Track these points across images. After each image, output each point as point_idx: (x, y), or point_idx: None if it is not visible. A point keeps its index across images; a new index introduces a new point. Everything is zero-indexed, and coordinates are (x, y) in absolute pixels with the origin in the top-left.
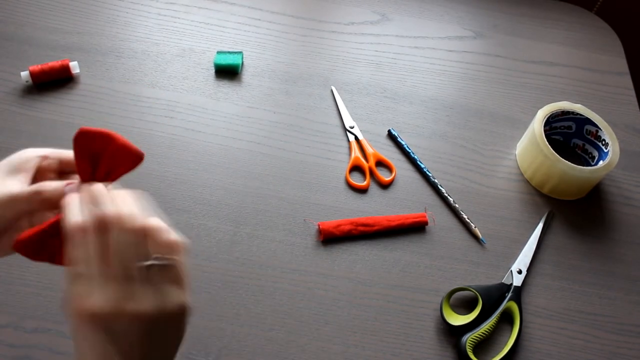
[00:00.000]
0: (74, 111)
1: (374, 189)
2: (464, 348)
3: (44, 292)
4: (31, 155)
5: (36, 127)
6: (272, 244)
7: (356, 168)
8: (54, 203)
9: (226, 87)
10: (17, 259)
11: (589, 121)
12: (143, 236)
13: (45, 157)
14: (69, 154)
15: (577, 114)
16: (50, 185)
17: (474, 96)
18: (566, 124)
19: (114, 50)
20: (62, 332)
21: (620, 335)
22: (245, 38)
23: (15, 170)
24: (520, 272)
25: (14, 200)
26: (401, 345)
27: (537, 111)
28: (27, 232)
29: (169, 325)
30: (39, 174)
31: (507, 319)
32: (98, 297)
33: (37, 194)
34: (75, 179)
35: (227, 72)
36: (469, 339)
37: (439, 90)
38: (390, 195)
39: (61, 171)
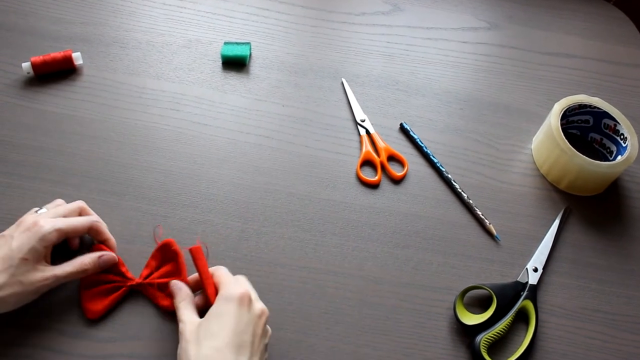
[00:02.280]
0: (77, 104)
1: (385, 184)
2: (478, 348)
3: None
4: (51, 242)
5: (38, 120)
6: (280, 241)
7: (367, 163)
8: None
9: (233, 79)
10: None
11: (607, 115)
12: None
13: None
14: (75, 227)
15: (595, 107)
16: (89, 260)
17: (488, 89)
18: (583, 117)
19: (118, 41)
20: (64, 331)
21: (639, 335)
22: (254, 28)
23: (44, 257)
24: (536, 270)
25: (59, 280)
26: (413, 345)
27: (553, 104)
28: (100, 305)
29: None
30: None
31: (522, 318)
32: None
33: (82, 272)
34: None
35: (235, 64)
36: (483, 338)
37: (453, 83)
38: (402, 190)
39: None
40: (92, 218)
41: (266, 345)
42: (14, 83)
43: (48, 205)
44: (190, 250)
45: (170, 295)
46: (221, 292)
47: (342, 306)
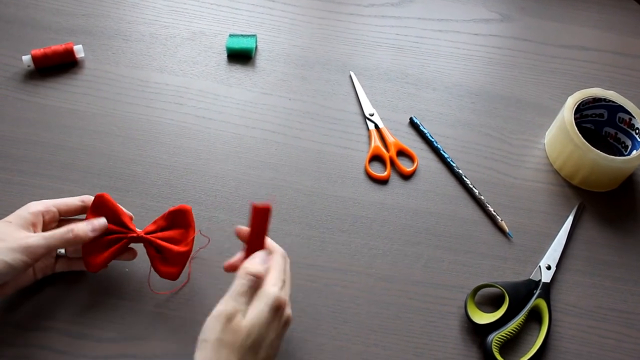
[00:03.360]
0: (78, 97)
1: (394, 180)
2: (489, 348)
3: (45, 290)
4: (38, 210)
5: (38, 114)
6: (287, 238)
7: (376, 158)
8: (83, 240)
9: (239, 73)
10: None
11: (621, 108)
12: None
13: (47, 212)
14: (66, 202)
15: (610, 100)
16: (80, 227)
17: (500, 82)
18: (598, 111)
19: (120, 33)
20: (64, 330)
21: None
22: (260, 20)
23: (32, 225)
24: (549, 267)
25: (50, 247)
26: (424, 345)
27: (567, 98)
28: (100, 258)
29: None
30: (44, 225)
31: (535, 317)
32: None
33: (74, 236)
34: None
35: (240, 57)
36: (495, 338)
37: (464, 76)
38: (412, 186)
39: (61, 218)
40: (85, 197)
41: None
42: (14, 76)
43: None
44: (257, 208)
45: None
46: (264, 287)
47: (350, 305)
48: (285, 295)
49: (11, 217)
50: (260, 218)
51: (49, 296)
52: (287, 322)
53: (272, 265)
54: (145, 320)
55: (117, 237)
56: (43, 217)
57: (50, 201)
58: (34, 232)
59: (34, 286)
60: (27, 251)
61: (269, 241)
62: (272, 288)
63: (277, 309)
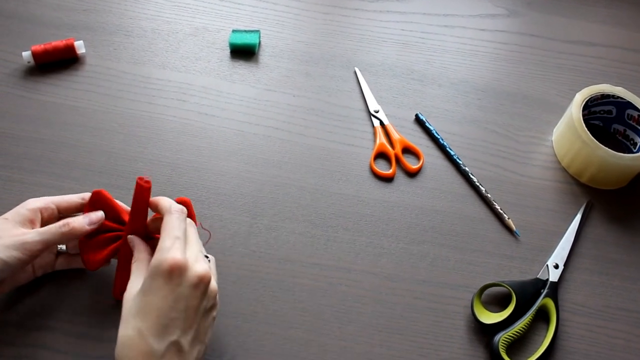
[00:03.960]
0: (79, 94)
1: (400, 178)
2: (496, 348)
3: (46, 289)
4: (36, 206)
5: (39, 111)
6: (291, 236)
7: (381, 155)
8: (80, 233)
9: (242, 69)
10: None
11: (630, 105)
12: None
13: (45, 209)
14: (65, 199)
15: (618, 97)
16: (76, 220)
17: (507, 78)
18: (606, 108)
19: (122, 29)
20: (65, 329)
21: None
22: (263, 16)
23: (29, 221)
24: (556, 266)
25: (46, 242)
26: (429, 345)
27: (574, 94)
28: (99, 255)
29: None
30: (43, 222)
31: (542, 316)
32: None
33: (69, 230)
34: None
35: (243, 52)
36: (502, 338)
37: (470, 72)
38: (417, 184)
39: (60, 216)
40: (85, 194)
41: (209, 308)
42: (13, 73)
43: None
44: (138, 185)
45: None
46: (153, 259)
47: (354, 304)
48: (177, 255)
49: (8, 214)
50: (141, 195)
51: (50, 295)
52: (197, 283)
53: (162, 228)
54: None
55: (115, 234)
56: (41, 214)
57: (49, 198)
58: (32, 229)
59: (34, 285)
60: (22, 248)
61: (163, 202)
62: (157, 254)
63: (169, 275)
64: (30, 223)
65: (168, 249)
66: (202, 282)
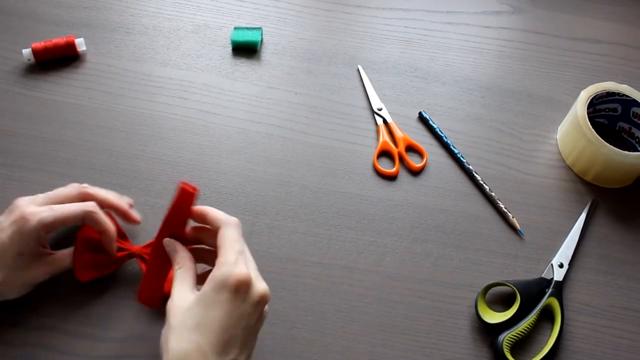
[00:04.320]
0: (80, 92)
1: (403, 176)
2: (500, 348)
3: (46, 289)
4: (36, 234)
5: (39, 109)
6: (293, 235)
7: (384, 153)
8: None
9: (244, 66)
10: None
11: (636, 103)
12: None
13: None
14: (59, 213)
15: (623, 95)
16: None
17: (511, 76)
18: (611, 106)
19: (123, 26)
20: (66, 330)
21: None
22: (265, 13)
23: (39, 246)
24: (561, 265)
25: (62, 268)
26: (433, 345)
27: (579, 92)
28: (92, 273)
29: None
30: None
31: (547, 316)
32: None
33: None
34: None
35: (245, 50)
36: (506, 338)
37: (474, 70)
38: (421, 182)
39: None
40: (87, 206)
41: (263, 319)
42: (14, 70)
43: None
44: (183, 190)
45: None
46: (216, 271)
47: (357, 304)
48: (244, 270)
49: (18, 247)
50: (184, 201)
51: (50, 295)
52: (260, 301)
53: (221, 240)
54: (152, 320)
55: (112, 260)
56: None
57: (47, 219)
58: (43, 249)
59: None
60: (44, 278)
61: (216, 212)
62: (222, 267)
63: (236, 290)
64: (42, 245)
65: (233, 263)
66: (263, 301)
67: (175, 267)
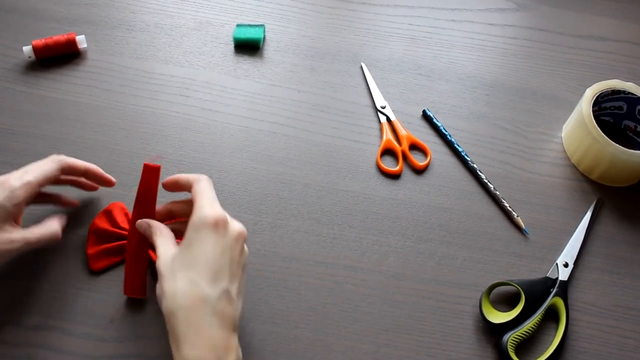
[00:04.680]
0: (81, 89)
1: (407, 175)
2: (505, 348)
3: (47, 286)
4: (21, 200)
5: (39, 106)
6: (296, 234)
7: (388, 152)
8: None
9: (246, 64)
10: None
11: None
12: None
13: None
14: (39, 171)
15: (629, 93)
16: (60, 225)
17: (516, 74)
18: (617, 104)
19: (124, 23)
20: (67, 329)
21: None
22: (268, 10)
23: (12, 217)
24: (566, 265)
25: (29, 245)
26: (437, 345)
27: (584, 90)
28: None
29: None
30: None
31: (552, 316)
32: None
33: (55, 237)
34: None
35: (248, 47)
36: (510, 338)
37: (478, 67)
38: (425, 181)
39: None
40: (58, 157)
41: (244, 266)
42: (14, 68)
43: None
44: (147, 166)
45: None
46: (193, 217)
47: (361, 303)
48: (219, 209)
49: None
50: (150, 177)
51: (50, 295)
52: (238, 237)
53: (194, 194)
54: (154, 319)
55: (123, 244)
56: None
57: (31, 179)
58: (14, 224)
59: (34, 285)
60: (5, 256)
61: (186, 175)
62: (198, 211)
63: (215, 226)
64: (15, 219)
65: (208, 206)
66: (242, 237)
67: (154, 237)
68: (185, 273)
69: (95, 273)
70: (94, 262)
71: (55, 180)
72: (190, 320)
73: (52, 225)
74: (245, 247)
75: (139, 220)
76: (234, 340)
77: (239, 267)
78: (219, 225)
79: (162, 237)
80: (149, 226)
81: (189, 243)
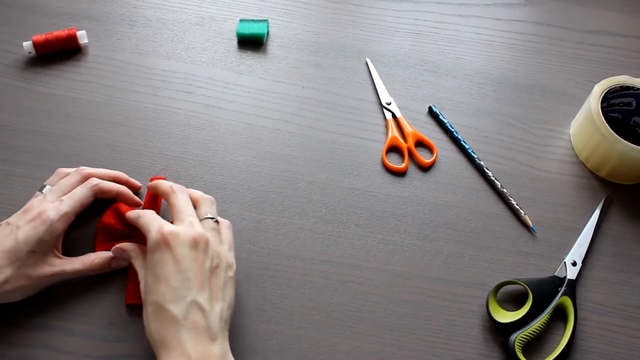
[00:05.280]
0: (82, 85)
1: (413, 172)
2: (512, 348)
3: (48, 288)
4: (56, 230)
5: (40, 103)
6: (300, 233)
7: (393, 149)
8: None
9: (250, 59)
10: None
11: None
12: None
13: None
14: (75, 200)
15: (638, 89)
16: (100, 261)
17: (523, 69)
18: (625, 100)
19: (126, 18)
20: (67, 329)
21: None
22: (271, 5)
23: (52, 247)
24: (574, 264)
25: (67, 275)
26: (443, 345)
27: (593, 86)
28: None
29: None
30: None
31: (560, 315)
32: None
33: (91, 271)
34: None
35: (251, 43)
36: (518, 337)
37: (485, 63)
38: (431, 178)
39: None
40: (90, 183)
41: (217, 266)
42: (14, 63)
43: (50, 180)
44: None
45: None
46: (148, 239)
47: (366, 303)
48: (157, 224)
49: (34, 244)
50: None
51: (52, 295)
52: (192, 243)
53: (172, 205)
54: None
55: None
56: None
57: (68, 210)
58: (55, 254)
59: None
60: (46, 285)
61: (161, 183)
62: (148, 234)
63: (162, 245)
64: (55, 248)
65: (154, 226)
66: (198, 242)
67: (132, 261)
68: (150, 298)
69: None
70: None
71: (86, 206)
72: (165, 342)
73: (91, 261)
74: (212, 244)
75: (117, 246)
76: (215, 348)
77: (203, 273)
78: (167, 241)
79: (139, 260)
80: (124, 251)
81: (149, 267)
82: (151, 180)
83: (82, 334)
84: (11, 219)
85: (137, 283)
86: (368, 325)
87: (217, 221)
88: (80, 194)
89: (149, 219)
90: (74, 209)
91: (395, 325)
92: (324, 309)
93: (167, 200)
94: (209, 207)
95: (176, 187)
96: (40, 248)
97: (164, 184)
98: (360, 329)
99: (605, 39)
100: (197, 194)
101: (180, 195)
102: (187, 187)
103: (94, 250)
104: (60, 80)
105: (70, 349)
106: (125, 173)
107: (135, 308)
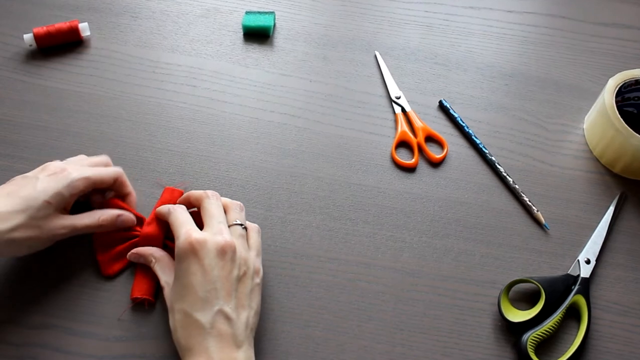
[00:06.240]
0: (84, 79)
1: (423, 168)
2: (524, 347)
3: (47, 288)
4: (77, 191)
5: (41, 96)
6: (308, 230)
7: (403, 144)
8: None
9: (256, 52)
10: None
11: None
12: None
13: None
14: (98, 173)
15: None
16: (108, 217)
17: (535, 63)
18: None
19: (129, 10)
20: (69, 328)
21: None
22: None
23: (66, 205)
24: (588, 261)
25: (75, 231)
26: (454, 344)
27: (607, 80)
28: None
29: None
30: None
31: (573, 314)
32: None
33: (99, 227)
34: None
35: (257, 35)
36: (530, 337)
37: (497, 56)
38: (441, 174)
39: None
40: (118, 169)
41: (244, 274)
42: (14, 56)
43: (70, 159)
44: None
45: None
46: (175, 248)
47: (375, 301)
48: (191, 232)
49: (51, 195)
50: (170, 199)
51: (53, 294)
52: (220, 252)
53: (204, 209)
54: (158, 318)
55: (132, 243)
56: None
57: (90, 175)
58: (66, 211)
59: (35, 284)
60: (53, 240)
61: (191, 192)
62: (176, 242)
63: (191, 252)
64: (67, 207)
65: (183, 233)
66: (226, 251)
67: (151, 265)
68: (178, 306)
69: (94, 272)
70: (107, 267)
71: (104, 185)
72: (191, 349)
73: (99, 215)
74: (239, 252)
75: (131, 252)
76: (240, 355)
77: (230, 282)
78: (195, 250)
79: (159, 264)
80: (141, 256)
81: (177, 275)
82: (165, 189)
83: (84, 334)
84: (29, 173)
85: (145, 279)
86: (377, 324)
87: (245, 227)
88: (105, 170)
89: (180, 221)
90: (95, 177)
91: (405, 325)
92: (332, 308)
93: (200, 204)
94: (237, 213)
95: (210, 192)
96: (56, 200)
97: (198, 191)
98: (369, 328)
99: (620, 31)
100: (226, 200)
101: (213, 201)
102: (191, 182)
103: (90, 253)
104: (62, 74)
105: (74, 349)
106: (128, 168)
107: (139, 304)
